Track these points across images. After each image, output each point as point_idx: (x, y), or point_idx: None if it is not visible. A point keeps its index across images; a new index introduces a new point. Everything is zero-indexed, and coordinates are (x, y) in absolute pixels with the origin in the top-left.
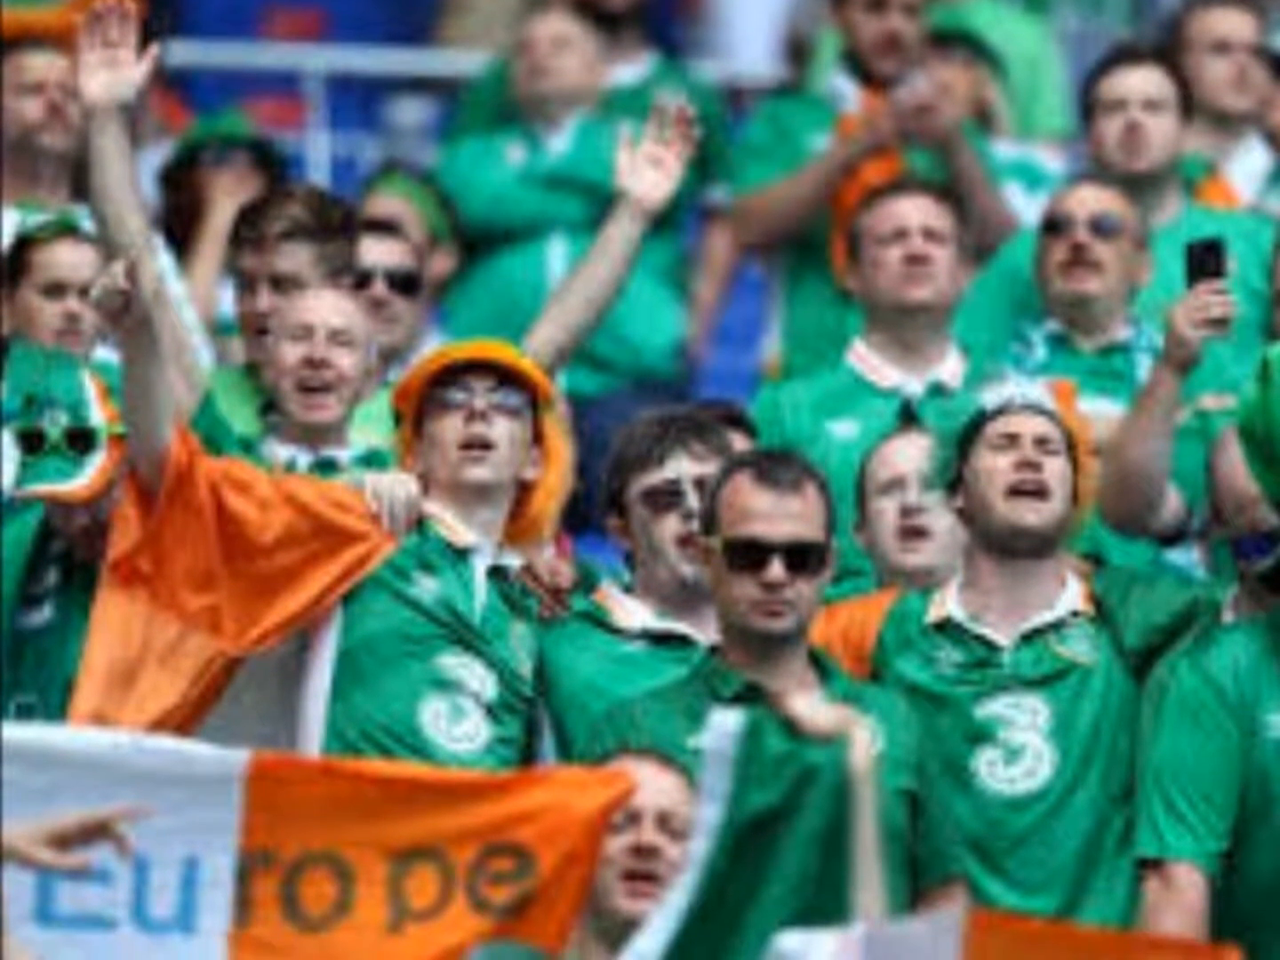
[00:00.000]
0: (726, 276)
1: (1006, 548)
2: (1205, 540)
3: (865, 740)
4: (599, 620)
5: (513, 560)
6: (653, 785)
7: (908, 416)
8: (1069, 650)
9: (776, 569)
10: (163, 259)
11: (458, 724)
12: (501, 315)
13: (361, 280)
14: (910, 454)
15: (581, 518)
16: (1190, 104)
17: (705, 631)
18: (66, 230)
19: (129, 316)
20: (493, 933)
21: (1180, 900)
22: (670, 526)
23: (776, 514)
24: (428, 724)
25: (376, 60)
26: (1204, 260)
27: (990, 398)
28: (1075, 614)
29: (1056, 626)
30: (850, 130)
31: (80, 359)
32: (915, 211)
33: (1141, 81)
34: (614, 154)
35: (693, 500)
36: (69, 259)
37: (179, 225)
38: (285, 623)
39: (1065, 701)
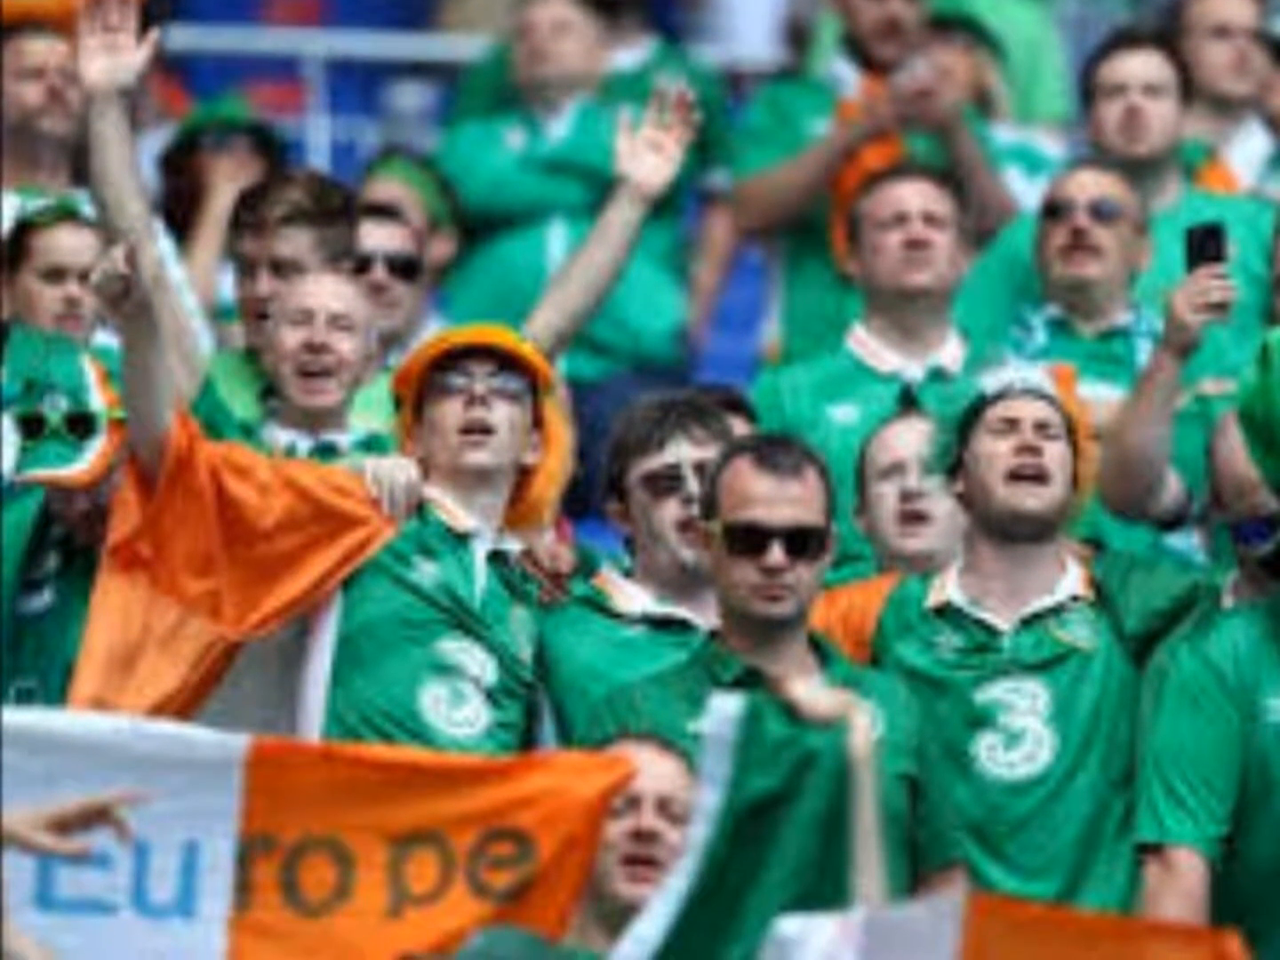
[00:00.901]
0: (726, 261)
1: (1006, 532)
2: (1205, 525)
3: (865, 725)
4: (599, 605)
5: (513, 545)
6: (652, 770)
7: (908, 401)
8: (1069, 635)
9: (776, 554)
10: (163, 244)
11: (458, 709)
12: (501, 300)
13: (361, 265)
14: (910, 439)
15: (581, 502)
16: (1190, 89)
17: (705, 616)
18: (66, 215)
19: (129, 301)
20: (493, 917)
21: (1180, 885)
22: (670, 511)
23: (776, 499)
24: (428, 709)
25: (376, 45)
26: (1204, 245)
27: (990, 382)
28: (1075, 599)
29: (1056, 611)
30: (850, 115)
31: (80, 344)
32: (915, 196)
33: (1141, 66)
34: (614, 139)
35: (693, 485)
36: (69, 244)
37: (179, 210)
38: (285, 607)
39: (1065, 686)
